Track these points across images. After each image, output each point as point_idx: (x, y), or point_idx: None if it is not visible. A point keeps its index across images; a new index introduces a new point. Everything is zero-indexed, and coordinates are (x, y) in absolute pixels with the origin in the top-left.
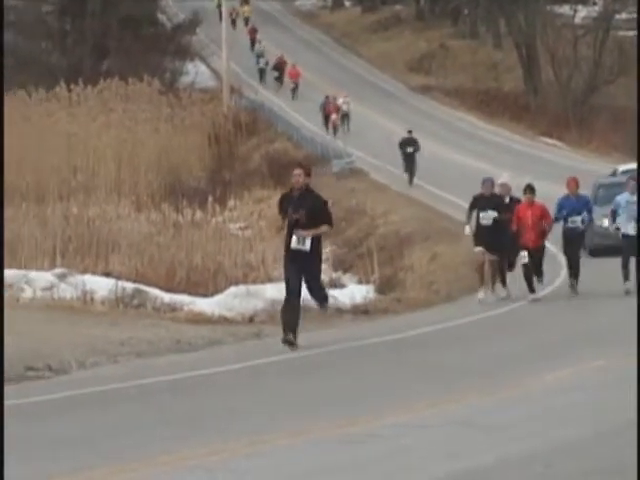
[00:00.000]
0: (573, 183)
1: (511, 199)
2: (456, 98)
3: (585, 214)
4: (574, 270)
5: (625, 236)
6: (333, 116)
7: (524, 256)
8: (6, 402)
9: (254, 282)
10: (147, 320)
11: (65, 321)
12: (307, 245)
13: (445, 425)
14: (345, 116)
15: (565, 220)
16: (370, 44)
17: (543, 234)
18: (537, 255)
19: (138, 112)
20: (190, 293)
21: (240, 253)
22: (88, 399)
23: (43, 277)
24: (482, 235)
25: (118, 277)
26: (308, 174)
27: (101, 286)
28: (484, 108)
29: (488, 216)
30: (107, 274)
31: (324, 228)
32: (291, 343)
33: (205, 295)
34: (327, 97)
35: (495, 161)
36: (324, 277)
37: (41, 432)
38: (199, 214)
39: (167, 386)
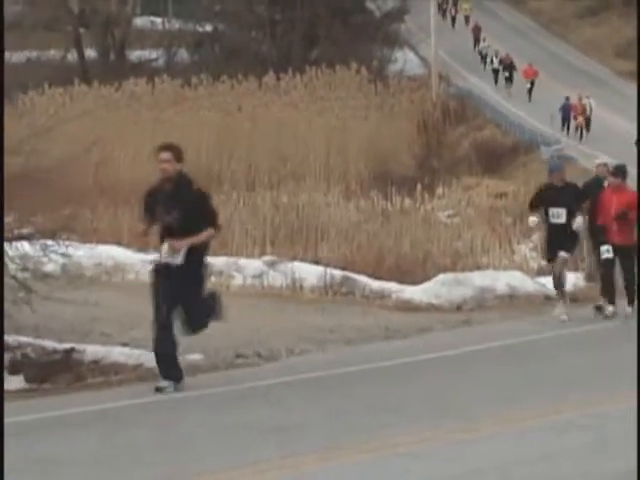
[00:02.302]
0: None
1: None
2: None
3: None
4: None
5: None
6: (579, 119)
7: (607, 250)
8: (216, 389)
9: (462, 270)
10: (356, 307)
11: (274, 308)
12: (180, 258)
13: None
14: (587, 119)
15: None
16: (578, 30)
17: (632, 227)
18: (624, 256)
19: (347, 100)
20: (399, 281)
21: (448, 241)
22: (296, 386)
23: (253, 264)
24: (553, 239)
25: (327, 264)
26: (179, 158)
27: (310, 273)
28: None
29: (559, 214)
30: (316, 262)
31: (206, 233)
32: (159, 389)
33: (413, 283)
34: (567, 98)
35: None
36: (536, 264)
37: (249, 418)
38: (407, 202)
39: (376, 373)
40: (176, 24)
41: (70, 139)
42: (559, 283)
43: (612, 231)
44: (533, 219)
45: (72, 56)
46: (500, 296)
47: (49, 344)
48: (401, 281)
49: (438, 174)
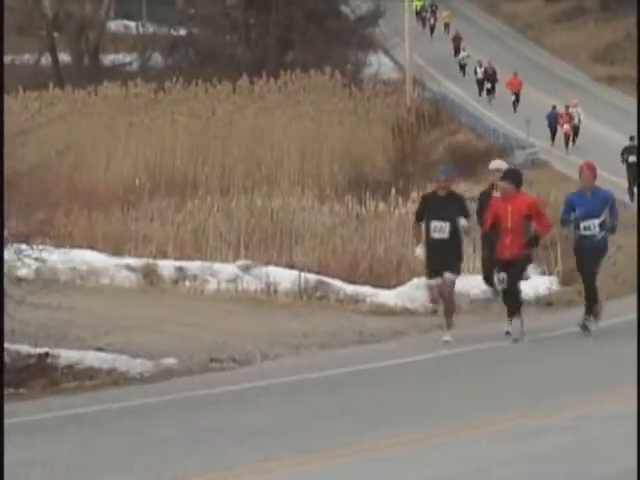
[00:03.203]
0: (588, 171)
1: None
2: None
3: (607, 216)
4: (588, 299)
5: None
6: (565, 127)
7: (502, 280)
8: (190, 393)
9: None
10: (330, 311)
11: (249, 313)
12: None
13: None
14: (575, 128)
15: (577, 226)
16: (554, 35)
17: (529, 242)
18: (514, 271)
19: (322, 104)
20: (373, 285)
21: None
22: (271, 390)
23: (227, 269)
24: (435, 256)
25: (301, 269)
26: None
27: (285, 278)
28: None
29: (442, 228)
30: (290, 266)
31: None
32: None
33: (388, 287)
34: (554, 107)
35: None
36: None
37: (224, 423)
38: (382, 206)
39: (350, 377)
40: (150, 28)
41: (44, 143)
42: (451, 306)
43: (504, 244)
44: (419, 252)
45: (46, 60)
46: (475, 300)
47: (24, 349)
48: (375, 285)
49: (413, 178)
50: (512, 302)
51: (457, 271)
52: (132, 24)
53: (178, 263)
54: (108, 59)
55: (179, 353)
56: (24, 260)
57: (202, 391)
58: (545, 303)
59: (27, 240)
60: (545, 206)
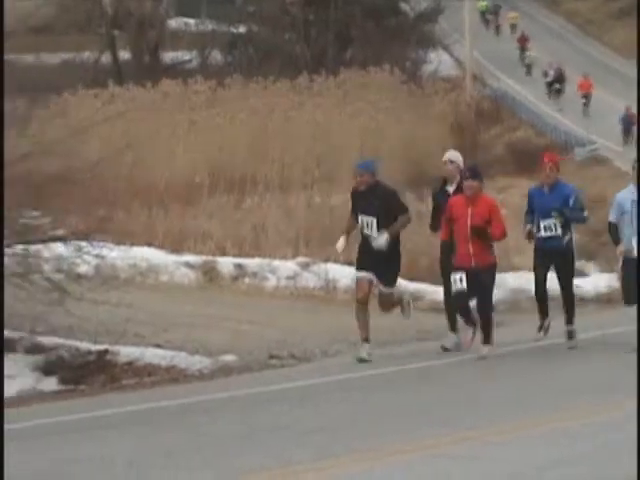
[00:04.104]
0: (548, 163)
1: (459, 185)
2: None
3: (568, 213)
4: (567, 309)
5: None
6: (634, 128)
7: (459, 279)
8: (249, 390)
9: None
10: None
11: (308, 310)
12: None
13: None
14: None
15: (537, 226)
16: (614, 32)
17: (490, 247)
18: (481, 280)
19: (381, 101)
20: (433, 282)
21: None
22: (330, 387)
23: (286, 266)
24: (365, 253)
25: None
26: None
27: (343, 274)
28: None
29: (370, 223)
30: (349, 263)
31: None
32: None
33: None
34: (628, 108)
35: None
36: None
37: (283, 420)
38: None
39: (409, 374)
40: (210, 25)
41: (104, 141)
42: (363, 322)
43: (465, 252)
44: (340, 244)
45: (106, 58)
46: (533, 297)
47: (83, 345)
48: (435, 282)
49: None
50: (466, 313)
51: (389, 283)
52: (192, 21)
53: (237, 260)
54: (168, 57)
55: (238, 350)
56: (84, 257)
57: (261, 388)
58: (605, 300)
59: (87, 237)
60: (499, 209)
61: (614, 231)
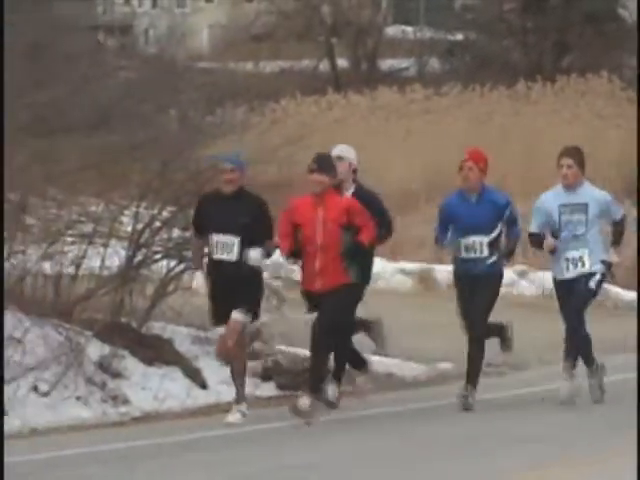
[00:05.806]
0: (471, 163)
1: (360, 191)
2: None
3: (502, 232)
4: (474, 348)
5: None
6: None
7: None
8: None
9: None
10: (607, 318)
11: (525, 318)
12: None
13: None
14: None
15: (457, 246)
16: None
17: (350, 264)
18: (332, 305)
19: (599, 109)
20: None
21: None
22: (544, 397)
23: (505, 274)
24: (219, 288)
25: None
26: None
27: None
28: None
29: (227, 245)
30: None
31: None
32: None
33: None
34: None
35: None
36: None
37: (498, 428)
38: None
39: (623, 385)
40: (427, 33)
41: (322, 148)
42: (239, 365)
43: (313, 270)
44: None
45: (324, 66)
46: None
47: (300, 352)
48: None
49: None
50: (321, 363)
51: (249, 309)
52: (409, 29)
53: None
54: (385, 64)
55: (455, 357)
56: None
57: (478, 395)
58: None
59: None
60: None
61: (536, 240)
